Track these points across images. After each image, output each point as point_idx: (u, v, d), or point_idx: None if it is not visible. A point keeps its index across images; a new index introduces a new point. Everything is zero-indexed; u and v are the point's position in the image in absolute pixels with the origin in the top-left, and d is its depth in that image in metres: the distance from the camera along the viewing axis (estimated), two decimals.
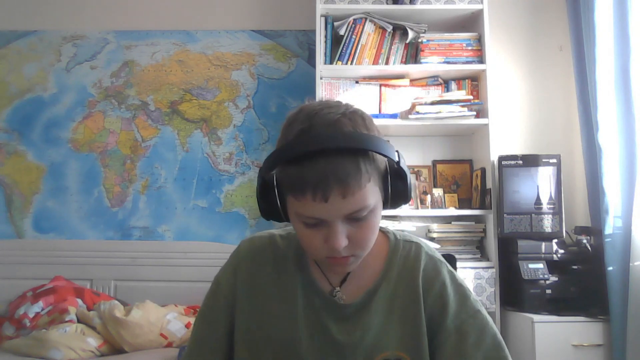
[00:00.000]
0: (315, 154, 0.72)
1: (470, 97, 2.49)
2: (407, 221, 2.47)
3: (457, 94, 2.50)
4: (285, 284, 0.91)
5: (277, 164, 0.76)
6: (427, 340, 0.85)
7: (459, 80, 2.58)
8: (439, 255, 0.92)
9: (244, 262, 0.97)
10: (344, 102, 0.82)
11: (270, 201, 0.79)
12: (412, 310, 0.86)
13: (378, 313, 0.86)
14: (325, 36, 2.54)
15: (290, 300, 0.89)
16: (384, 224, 2.40)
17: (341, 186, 0.72)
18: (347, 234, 0.77)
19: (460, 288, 0.88)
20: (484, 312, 0.88)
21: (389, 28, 2.52)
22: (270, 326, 0.88)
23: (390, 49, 2.54)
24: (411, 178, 0.83)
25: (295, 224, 0.81)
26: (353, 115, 0.77)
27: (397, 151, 0.80)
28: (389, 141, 0.79)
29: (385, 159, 0.78)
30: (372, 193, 0.76)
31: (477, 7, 2.49)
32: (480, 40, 2.52)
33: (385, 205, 0.81)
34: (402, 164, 0.79)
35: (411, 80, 2.59)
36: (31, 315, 2.23)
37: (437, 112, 2.42)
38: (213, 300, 0.95)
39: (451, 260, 1.10)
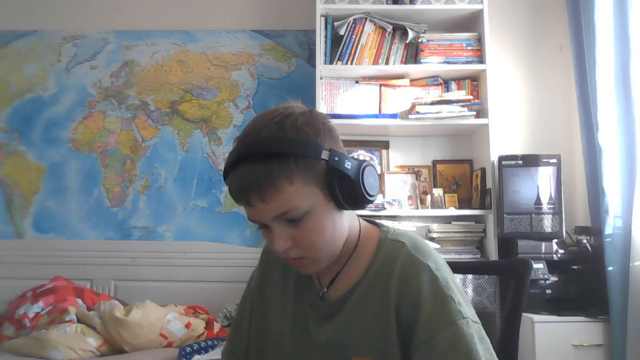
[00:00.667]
0: (237, 163, 0.77)
1: (470, 97, 2.49)
2: (407, 221, 2.47)
3: (457, 94, 2.50)
4: (286, 283, 0.95)
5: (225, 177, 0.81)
6: (398, 346, 0.79)
7: (459, 80, 2.58)
8: (425, 256, 0.83)
9: (262, 262, 1.04)
10: (294, 105, 0.82)
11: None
12: (383, 314, 0.81)
13: (351, 315, 0.85)
14: (325, 36, 2.54)
15: (285, 299, 0.94)
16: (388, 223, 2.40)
17: (256, 190, 0.76)
18: (291, 236, 0.80)
19: (440, 294, 0.79)
20: (464, 324, 0.77)
21: (389, 28, 2.52)
22: (267, 326, 0.94)
23: (390, 49, 2.54)
24: (371, 177, 0.82)
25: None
26: (284, 120, 0.78)
27: (330, 150, 0.78)
28: (321, 142, 0.78)
29: (326, 160, 0.78)
30: (302, 195, 0.77)
31: (477, 7, 2.49)
32: (480, 40, 2.52)
33: (342, 206, 0.81)
34: (336, 163, 0.78)
35: (411, 80, 2.59)
36: (31, 315, 2.23)
37: (437, 112, 2.42)
38: (244, 295, 1.04)
39: (523, 265, 1.07)
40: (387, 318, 0.80)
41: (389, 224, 0.95)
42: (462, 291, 0.83)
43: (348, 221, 0.87)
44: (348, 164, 0.79)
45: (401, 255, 0.83)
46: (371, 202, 0.83)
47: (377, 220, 0.94)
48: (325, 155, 0.77)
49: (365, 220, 0.94)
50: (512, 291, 1.08)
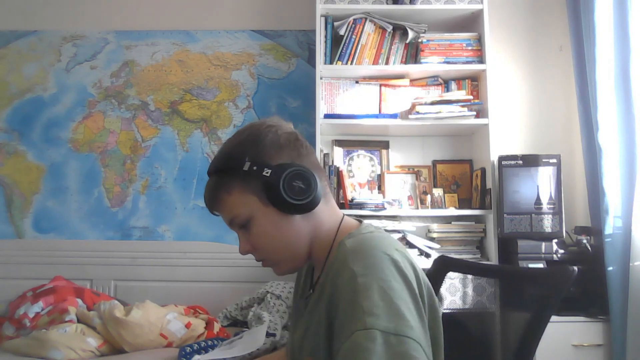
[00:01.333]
0: None
1: (470, 97, 2.49)
2: (407, 221, 2.47)
3: (457, 94, 2.50)
4: (298, 286, 1.05)
5: None
6: (328, 349, 0.78)
7: (459, 80, 2.58)
8: (356, 260, 0.77)
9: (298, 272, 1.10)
10: (254, 123, 0.94)
11: None
12: (320, 314, 0.81)
13: (308, 317, 0.89)
14: (325, 36, 2.54)
15: (295, 301, 1.04)
16: (384, 223, 2.39)
17: (207, 202, 0.93)
18: (248, 240, 0.90)
19: (352, 301, 0.72)
20: (363, 335, 0.68)
21: (389, 28, 2.52)
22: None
23: (390, 49, 2.54)
24: (297, 180, 0.86)
25: None
26: (229, 139, 0.93)
27: (252, 162, 0.86)
28: (245, 153, 0.87)
29: (245, 170, 0.86)
30: (240, 204, 0.88)
31: (477, 7, 2.49)
32: (480, 40, 2.52)
33: (283, 211, 0.87)
34: (254, 172, 0.85)
35: (411, 80, 2.59)
36: (31, 315, 2.23)
37: (437, 112, 2.42)
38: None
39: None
40: (322, 318, 0.81)
41: (386, 223, 0.99)
42: (394, 300, 0.72)
43: (310, 225, 0.90)
44: (267, 172, 0.86)
45: (339, 256, 0.81)
46: (307, 204, 0.86)
47: (366, 221, 0.95)
48: (246, 166, 0.86)
49: (357, 219, 0.96)
50: (546, 297, 1.04)
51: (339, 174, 2.50)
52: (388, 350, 0.67)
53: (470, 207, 2.50)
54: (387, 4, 2.55)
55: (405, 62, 2.56)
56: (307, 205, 0.86)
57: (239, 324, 2.40)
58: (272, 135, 0.90)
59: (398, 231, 2.38)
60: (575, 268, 1.02)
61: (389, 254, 0.78)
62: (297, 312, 0.99)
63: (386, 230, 2.32)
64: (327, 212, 0.93)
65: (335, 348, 0.73)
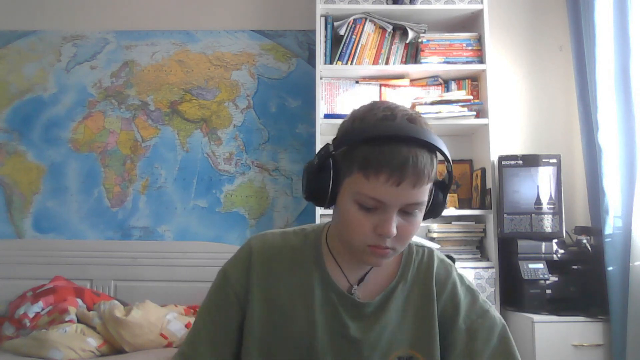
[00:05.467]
0: (400, 140, 0.77)
1: (470, 97, 2.49)
2: None
3: (457, 94, 2.50)
4: (302, 282, 0.90)
5: (356, 142, 0.78)
6: (439, 339, 0.89)
7: (459, 80, 2.58)
8: (448, 260, 0.98)
9: (258, 261, 0.94)
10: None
11: (323, 180, 0.81)
12: (426, 311, 0.90)
13: (394, 313, 0.90)
14: (325, 36, 2.54)
15: (307, 298, 0.89)
16: None
17: (416, 175, 0.77)
18: (399, 225, 0.80)
19: (469, 290, 0.94)
20: (493, 311, 0.93)
21: (389, 28, 2.52)
22: (286, 325, 0.88)
23: (390, 49, 2.54)
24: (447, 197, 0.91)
25: (348, 206, 0.80)
26: (423, 119, 0.84)
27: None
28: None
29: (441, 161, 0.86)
30: (427, 192, 0.83)
31: (477, 7, 2.49)
32: (480, 40, 2.52)
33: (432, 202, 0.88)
34: (449, 167, 0.90)
35: (411, 80, 2.59)
36: (31, 315, 2.23)
37: (437, 112, 2.42)
38: (221, 295, 0.94)
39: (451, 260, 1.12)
40: (431, 314, 0.90)
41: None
42: None
43: None
44: (449, 167, 0.90)
45: (434, 259, 0.95)
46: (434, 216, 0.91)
47: None
48: (439, 157, 0.84)
49: None
50: None
51: None
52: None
53: (470, 207, 2.50)
54: (387, 4, 2.55)
55: (405, 62, 2.56)
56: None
57: None
58: None
59: None
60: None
61: None
62: (331, 317, 0.89)
63: None
64: None
65: (461, 326, 0.90)
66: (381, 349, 0.88)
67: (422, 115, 0.85)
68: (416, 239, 0.98)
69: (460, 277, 0.95)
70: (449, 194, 0.97)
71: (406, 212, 0.80)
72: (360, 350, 0.87)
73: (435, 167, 0.82)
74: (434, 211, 0.88)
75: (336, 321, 0.88)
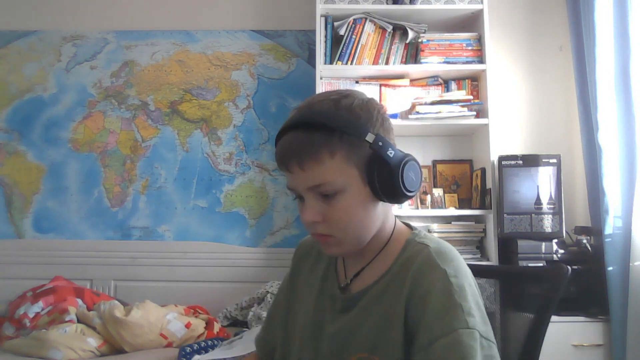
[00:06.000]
0: (287, 130, 0.81)
1: (470, 97, 2.49)
2: (407, 221, 2.47)
3: (457, 94, 2.50)
4: (315, 272, 0.98)
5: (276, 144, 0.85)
6: (402, 347, 0.78)
7: (459, 80, 2.58)
8: (445, 261, 0.80)
9: (294, 259, 1.06)
10: (355, 91, 0.86)
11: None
12: (392, 313, 0.81)
13: (364, 311, 0.85)
14: (325, 36, 2.54)
15: (312, 290, 0.96)
16: None
17: (296, 157, 0.79)
18: (322, 211, 0.82)
19: (449, 301, 0.75)
20: (466, 334, 0.72)
21: (389, 28, 2.52)
22: (295, 314, 0.98)
23: (390, 49, 2.54)
24: (412, 172, 0.83)
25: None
26: (340, 99, 0.81)
27: (376, 135, 0.80)
28: (376, 134, 0.80)
29: (370, 142, 0.79)
30: (339, 171, 0.79)
31: (477, 7, 2.49)
32: (480, 40, 2.52)
33: (377, 195, 0.82)
34: (379, 148, 0.79)
35: (411, 80, 2.59)
36: (31, 315, 2.23)
37: (437, 112, 2.42)
38: (281, 286, 1.08)
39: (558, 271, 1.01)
40: (396, 317, 0.80)
41: (422, 228, 0.96)
42: (480, 305, 0.78)
43: (383, 215, 0.87)
44: (391, 153, 0.80)
45: (421, 256, 0.82)
46: (408, 197, 0.83)
47: (411, 224, 0.94)
48: (370, 138, 0.79)
49: (401, 221, 0.94)
50: (543, 296, 1.03)
51: None
52: (482, 352, 0.72)
53: (470, 207, 2.50)
54: (387, 4, 2.55)
55: (405, 62, 2.56)
56: (407, 198, 0.84)
57: (239, 324, 2.40)
58: (386, 114, 0.85)
59: None
60: (569, 268, 1.01)
61: (462, 260, 0.83)
62: (320, 308, 0.92)
63: None
64: (391, 207, 0.91)
65: (422, 343, 0.75)
66: (346, 348, 0.84)
67: (346, 95, 0.82)
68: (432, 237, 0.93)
69: (446, 283, 0.77)
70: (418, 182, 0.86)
71: (325, 195, 0.81)
72: (329, 345, 0.87)
73: (331, 142, 0.78)
74: (381, 190, 0.81)
75: (320, 314, 0.91)
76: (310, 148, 0.78)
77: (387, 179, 0.80)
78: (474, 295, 0.78)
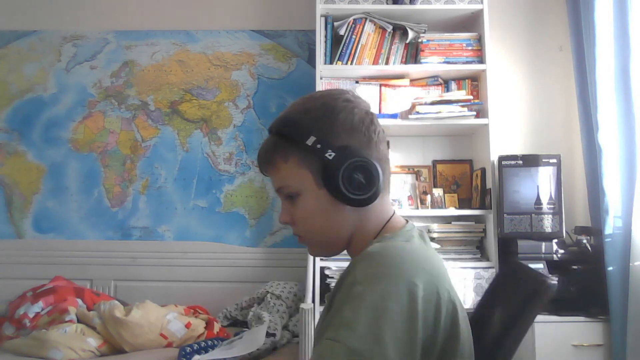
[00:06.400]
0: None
1: (470, 97, 2.48)
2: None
3: (457, 94, 2.50)
4: None
5: None
6: None
7: (459, 80, 2.58)
8: (371, 265, 0.72)
9: None
10: (332, 91, 0.88)
11: None
12: (330, 305, 0.82)
13: (325, 308, 0.87)
14: (325, 36, 2.54)
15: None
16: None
17: (262, 162, 0.86)
18: (290, 213, 0.86)
19: (340, 306, 0.69)
20: (329, 346, 0.65)
21: (389, 28, 2.52)
22: None
23: (390, 49, 2.54)
24: (358, 172, 0.79)
25: None
26: (304, 103, 0.86)
27: (318, 137, 0.80)
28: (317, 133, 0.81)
29: (309, 145, 0.81)
30: (293, 175, 0.82)
31: (477, 7, 2.49)
32: (480, 40, 2.52)
33: (336, 198, 0.81)
34: (317, 151, 0.79)
35: (411, 80, 2.59)
36: (31, 315, 2.23)
37: (437, 112, 2.42)
38: None
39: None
40: (330, 309, 0.81)
41: (422, 228, 0.91)
42: (383, 322, 0.65)
43: (357, 218, 0.84)
44: (330, 155, 0.79)
45: (365, 251, 0.77)
46: (356, 200, 0.80)
47: (418, 225, 0.88)
48: (310, 141, 0.80)
49: (406, 219, 0.89)
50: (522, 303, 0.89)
51: None
52: None
53: (470, 207, 2.50)
54: (387, 4, 2.55)
55: (405, 62, 2.56)
56: (362, 201, 0.80)
57: (239, 324, 2.40)
58: (346, 114, 0.83)
59: None
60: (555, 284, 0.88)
61: (409, 276, 0.69)
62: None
63: None
64: (379, 208, 0.85)
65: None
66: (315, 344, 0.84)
67: (309, 97, 0.86)
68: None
69: (350, 288, 0.70)
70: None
71: (290, 197, 0.85)
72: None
73: (284, 147, 0.82)
74: (331, 192, 0.80)
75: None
76: (267, 153, 0.84)
77: (330, 181, 0.80)
78: (376, 309, 0.66)
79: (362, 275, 0.71)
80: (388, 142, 0.92)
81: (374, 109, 2.66)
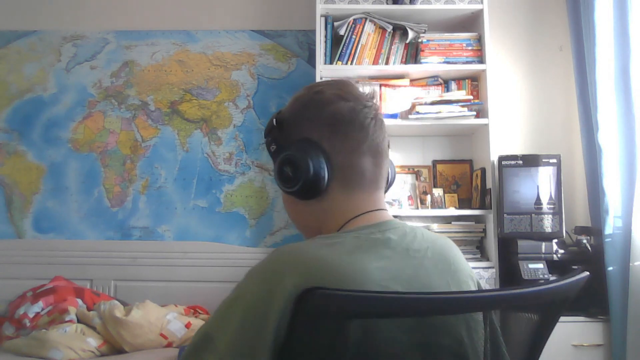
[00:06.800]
0: None
1: (470, 97, 2.49)
2: (407, 221, 2.46)
3: (457, 94, 2.50)
4: None
5: None
6: None
7: (459, 80, 2.58)
8: (269, 256, 0.72)
9: None
10: (312, 88, 0.87)
11: None
12: None
13: None
14: (325, 36, 2.54)
15: None
16: None
17: None
18: None
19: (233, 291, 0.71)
20: (196, 336, 0.69)
21: (389, 28, 2.52)
22: None
23: (390, 49, 2.54)
24: (286, 165, 0.80)
25: None
26: (296, 96, 0.87)
27: (271, 132, 0.84)
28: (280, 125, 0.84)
29: (272, 143, 0.85)
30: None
31: (477, 7, 2.49)
32: (480, 40, 2.52)
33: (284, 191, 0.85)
34: (268, 145, 0.84)
35: (411, 80, 2.59)
36: (31, 315, 2.23)
37: (437, 112, 2.42)
38: None
39: None
40: None
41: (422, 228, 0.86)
42: (242, 315, 0.66)
43: (321, 212, 0.83)
44: (273, 148, 0.84)
45: None
46: (299, 193, 0.80)
47: (391, 222, 0.81)
48: (270, 136, 0.85)
49: (385, 220, 0.82)
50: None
51: None
52: (195, 351, 0.68)
53: (470, 207, 2.50)
54: (387, 4, 2.55)
55: (405, 62, 2.56)
56: (299, 194, 0.80)
57: None
58: (300, 104, 0.85)
59: None
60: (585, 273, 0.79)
61: (278, 276, 0.67)
62: None
63: None
64: (342, 203, 0.82)
65: None
66: None
67: (299, 94, 0.87)
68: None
69: (234, 288, 0.72)
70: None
71: None
72: None
73: (266, 141, 0.86)
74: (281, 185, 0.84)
75: None
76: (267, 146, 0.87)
77: (277, 171, 0.83)
78: (234, 299, 0.69)
79: (252, 278, 0.71)
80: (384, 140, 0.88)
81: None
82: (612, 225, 2.15)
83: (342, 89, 0.84)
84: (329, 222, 0.82)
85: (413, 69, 2.53)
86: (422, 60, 2.51)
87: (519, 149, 2.62)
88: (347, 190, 0.81)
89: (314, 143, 0.80)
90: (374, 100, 0.86)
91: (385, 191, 0.89)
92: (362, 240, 0.75)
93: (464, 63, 2.50)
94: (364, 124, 0.82)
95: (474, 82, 2.58)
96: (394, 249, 0.75)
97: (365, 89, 0.91)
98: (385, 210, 0.85)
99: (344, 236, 0.76)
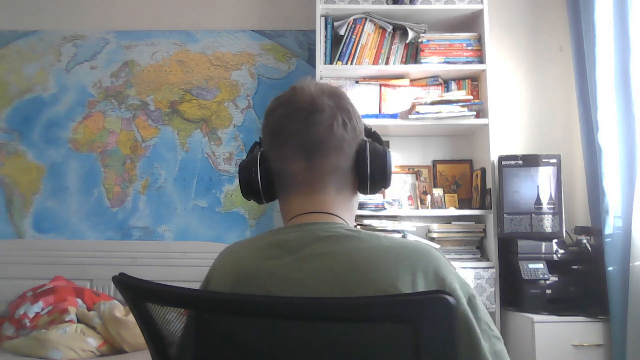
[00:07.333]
0: None
1: (470, 97, 2.49)
2: (407, 221, 2.47)
3: (457, 94, 2.50)
4: None
5: None
6: None
7: (459, 80, 2.58)
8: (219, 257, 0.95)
9: None
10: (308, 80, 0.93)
11: None
12: None
13: None
14: (325, 36, 2.54)
15: None
16: (384, 223, 2.38)
17: None
18: None
19: None
20: None
21: (389, 28, 2.52)
22: None
23: (390, 49, 2.54)
24: (242, 173, 0.93)
25: None
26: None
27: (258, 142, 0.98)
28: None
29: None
30: None
31: (477, 7, 2.49)
32: (480, 40, 2.52)
33: None
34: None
35: (411, 80, 2.59)
36: (31, 315, 2.23)
37: (437, 112, 2.42)
38: None
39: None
40: None
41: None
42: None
43: (285, 210, 0.90)
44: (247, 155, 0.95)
45: None
46: (258, 197, 0.91)
47: (310, 224, 0.83)
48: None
49: (309, 222, 0.84)
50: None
51: None
52: None
53: (470, 207, 2.50)
54: (387, 4, 2.55)
55: (405, 62, 2.56)
56: (254, 199, 0.92)
57: None
58: (270, 111, 0.94)
59: (398, 231, 2.38)
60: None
61: (209, 272, 0.96)
62: None
63: (386, 231, 2.32)
64: (285, 207, 0.90)
65: None
66: None
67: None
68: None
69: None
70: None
71: None
72: None
73: None
74: None
75: None
76: None
77: None
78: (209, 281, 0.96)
79: (215, 263, 0.94)
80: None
81: (373, 110, 2.61)
82: (612, 225, 2.15)
83: (288, 97, 0.90)
84: (287, 217, 0.89)
85: (413, 69, 2.53)
86: (422, 60, 2.51)
87: (519, 149, 2.62)
88: (285, 194, 0.89)
89: (262, 154, 0.92)
90: (325, 98, 0.86)
91: (374, 179, 0.89)
92: (266, 239, 0.83)
93: (464, 63, 2.50)
94: (294, 128, 0.85)
95: (474, 82, 2.58)
96: (287, 250, 0.78)
97: (326, 87, 0.90)
98: (326, 212, 0.84)
99: (262, 235, 0.86)
